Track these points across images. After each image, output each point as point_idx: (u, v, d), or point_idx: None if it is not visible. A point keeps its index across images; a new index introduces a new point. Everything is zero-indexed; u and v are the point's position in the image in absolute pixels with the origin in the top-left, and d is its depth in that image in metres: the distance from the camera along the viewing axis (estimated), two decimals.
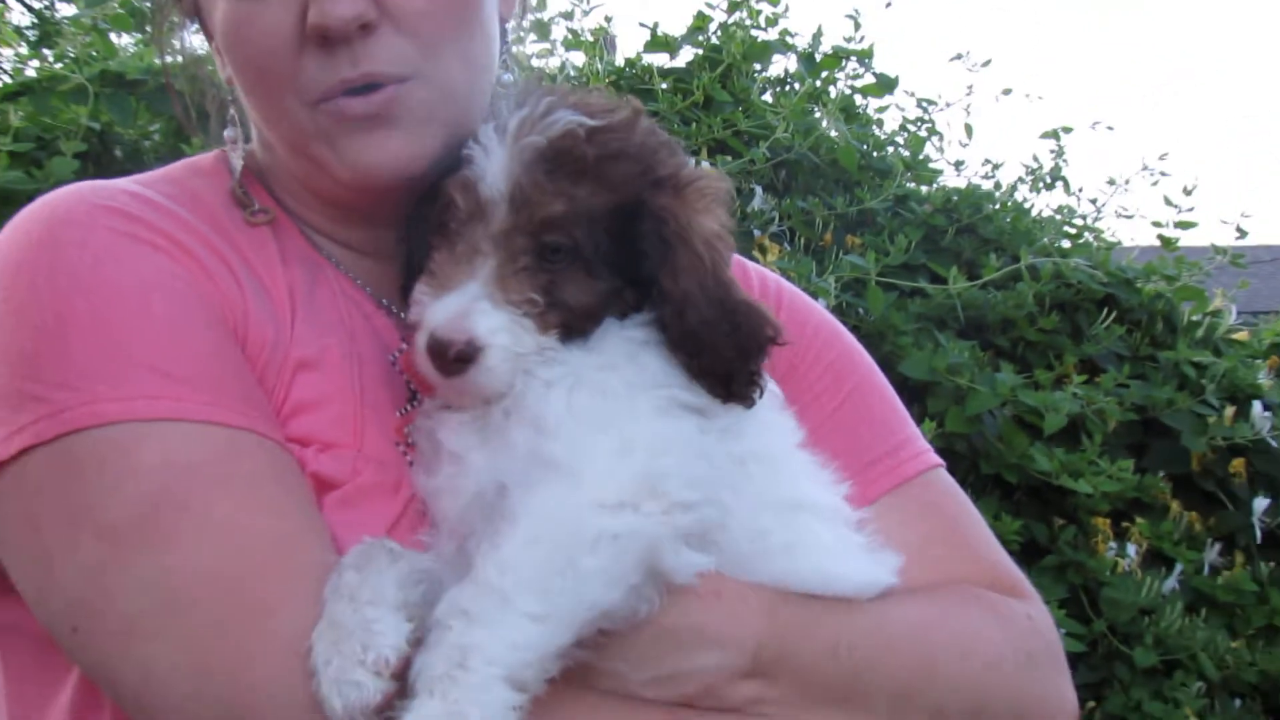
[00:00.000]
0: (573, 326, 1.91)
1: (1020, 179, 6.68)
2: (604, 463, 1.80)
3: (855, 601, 2.06)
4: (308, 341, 2.06)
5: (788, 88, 6.43)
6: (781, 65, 6.50)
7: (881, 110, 6.67)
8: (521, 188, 1.87)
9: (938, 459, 2.42)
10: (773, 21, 6.35)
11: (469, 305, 1.86)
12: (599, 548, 1.75)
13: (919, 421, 4.90)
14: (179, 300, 1.92)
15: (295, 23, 1.99)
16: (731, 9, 6.29)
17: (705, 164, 5.59)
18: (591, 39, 6.34)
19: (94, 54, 5.42)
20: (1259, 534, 5.42)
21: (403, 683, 1.68)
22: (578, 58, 6.29)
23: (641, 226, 1.91)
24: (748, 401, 1.94)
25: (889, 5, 7.17)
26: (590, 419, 1.85)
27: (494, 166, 1.89)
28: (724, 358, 1.91)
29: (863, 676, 2.01)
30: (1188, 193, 6.46)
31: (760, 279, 2.49)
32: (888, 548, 2.16)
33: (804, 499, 2.10)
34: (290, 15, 1.99)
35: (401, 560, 1.81)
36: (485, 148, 1.91)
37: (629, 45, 6.30)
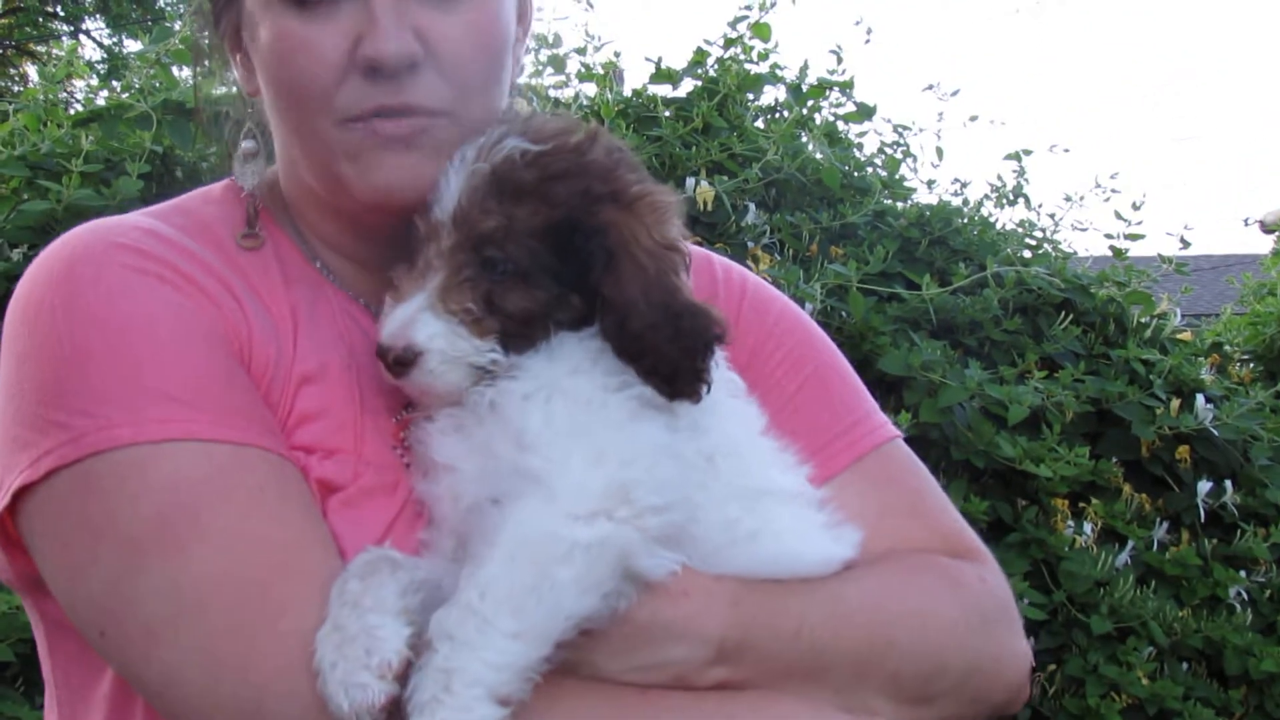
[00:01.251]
0: (512, 332, 1.93)
1: (986, 196, 6.73)
2: (578, 474, 1.82)
3: (815, 581, 2.06)
4: (309, 356, 2.07)
5: (777, 115, 6.46)
6: (772, 95, 6.54)
7: (861, 135, 6.70)
8: (463, 209, 1.91)
9: (895, 431, 2.40)
10: (764, 56, 6.38)
11: (413, 314, 1.90)
12: (573, 558, 1.77)
13: (896, 413, 4.94)
14: (184, 329, 1.93)
15: (347, 50, 1.99)
16: (727, 45, 6.33)
17: (704, 183, 5.62)
18: (602, 72, 6.37)
19: (157, 85, 5.44)
20: (1203, 514, 5.46)
21: (404, 684, 1.71)
22: (590, 89, 6.29)
23: (586, 240, 1.93)
24: (694, 397, 1.93)
25: (868, 42, 7.21)
26: (566, 429, 1.87)
27: (447, 192, 1.94)
28: (668, 359, 1.91)
29: (823, 653, 2.01)
30: (1136, 208, 6.50)
31: (725, 271, 2.48)
32: (848, 522, 2.15)
33: (768, 486, 2.10)
34: (344, 43, 1.99)
35: (401, 570, 1.83)
36: (447, 176, 1.95)
37: (636, 77, 6.33)
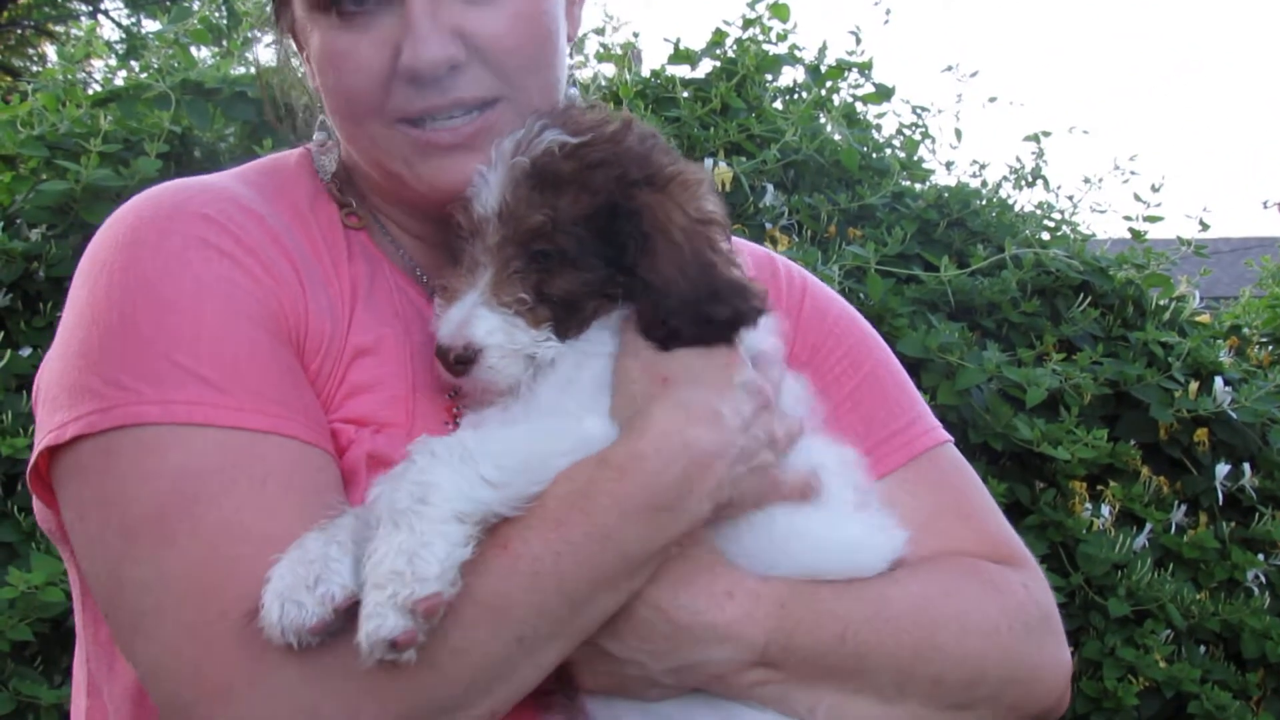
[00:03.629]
0: (564, 318, 1.96)
1: (1005, 178, 6.69)
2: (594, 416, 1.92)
3: (860, 584, 2.06)
4: (366, 330, 2.09)
5: (796, 96, 6.45)
6: (790, 76, 6.53)
7: (880, 116, 6.68)
8: (508, 204, 1.93)
9: (946, 435, 2.41)
10: (783, 37, 6.38)
11: (468, 313, 1.93)
12: (576, 453, 1.86)
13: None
14: (231, 309, 1.95)
15: (389, 59, 2.03)
16: (746, 26, 6.32)
17: (723, 164, 5.61)
18: (620, 53, 6.34)
19: (175, 65, 5.45)
20: (1221, 497, 5.44)
21: (340, 621, 1.71)
22: (608, 69, 6.27)
23: (625, 223, 1.95)
24: (721, 342, 1.99)
25: (887, 22, 7.19)
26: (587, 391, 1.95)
27: (488, 188, 1.96)
28: (702, 329, 1.96)
29: (868, 658, 2.01)
30: (1155, 190, 6.47)
31: (786, 271, 2.50)
32: (897, 521, 2.15)
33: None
34: (384, 52, 2.02)
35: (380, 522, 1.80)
36: (484, 172, 1.97)
37: (654, 58, 6.32)
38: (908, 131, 6.80)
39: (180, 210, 2.02)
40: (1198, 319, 6.33)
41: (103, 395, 1.88)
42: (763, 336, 2.08)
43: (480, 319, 1.92)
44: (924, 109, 6.96)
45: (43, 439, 1.94)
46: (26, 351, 4.73)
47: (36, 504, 2.13)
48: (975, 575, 2.21)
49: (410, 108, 2.05)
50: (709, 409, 1.92)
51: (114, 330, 1.92)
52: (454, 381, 1.98)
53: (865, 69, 6.54)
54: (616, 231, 1.95)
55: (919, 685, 2.06)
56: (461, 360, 1.93)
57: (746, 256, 2.46)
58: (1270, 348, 7.02)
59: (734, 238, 2.49)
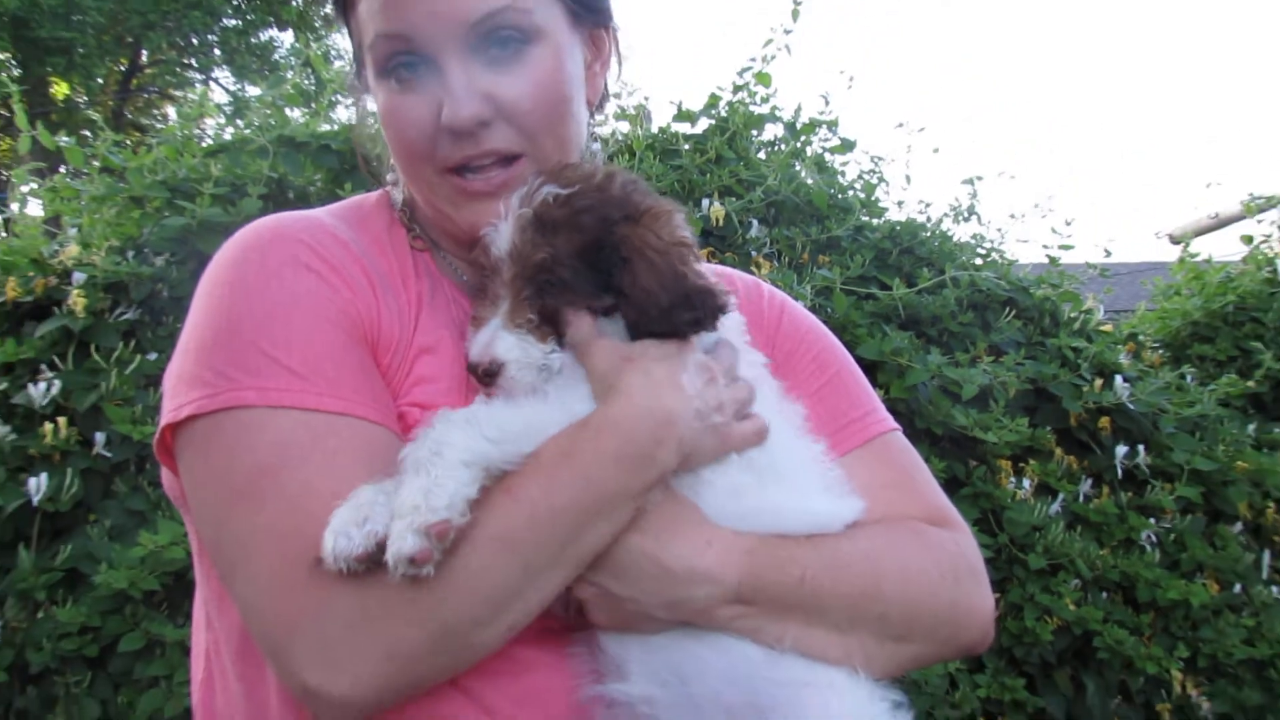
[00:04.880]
0: (561, 330, 2.02)
1: (945, 214, 6.70)
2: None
3: (817, 538, 2.09)
4: (429, 333, 2.15)
5: (776, 148, 6.45)
6: (771, 132, 6.52)
7: (844, 164, 6.68)
8: (516, 246, 2.00)
9: (896, 425, 2.46)
10: (766, 100, 6.40)
11: (492, 336, 2.00)
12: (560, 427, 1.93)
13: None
14: (317, 315, 2.03)
15: (433, 116, 2.09)
16: (735, 91, 6.34)
17: (717, 203, 5.64)
18: (634, 113, 6.36)
19: (273, 123, 5.47)
20: (1120, 472, 5.46)
21: (382, 553, 1.75)
22: (624, 126, 6.28)
23: (610, 253, 2.00)
24: (689, 334, 2.04)
25: (850, 88, 7.22)
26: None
27: (501, 234, 2.03)
28: (675, 328, 2.01)
29: (823, 597, 2.05)
30: (1067, 224, 6.52)
31: (769, 294, 2.56)
32: (854, 491, 2.20)
33: (787, 463, 2.16)
34: (430, 110, 2.10)
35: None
36: (497, 222, 2.04)
37: (661, 117, 6.32)
38: (867, 176, 6.81)
39: (278, 237, 2.09)
40: (1102, 328, 6.34)
41: (212, 384, 1.95)
42: (729, 326, 2.15)
43: (500, 340, 2.00)
44: (880, 158, 6.99)
45: (165, 418, 2.01)
46: (153, 356, 4.74)
47: (164, 473, 2.17)
48: (915, 534, 2.25)
49: (452, 158, 2.12)
50: (670, 379, 1.98)
51: (222, 332, 1.99)
52: (485, 389, 2.03)
53: (832, 126, 6.55)
54: (603, 261, 2.00)
55: (866, 621, 2.09)
56: (488, 373, 1.99)
57: (737, 280, 2.53)
58: (1160, 351, 7.03)
59: (727, 266, 2.56)
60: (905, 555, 2.20)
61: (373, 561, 1.77)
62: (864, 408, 2.44)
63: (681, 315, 1.99)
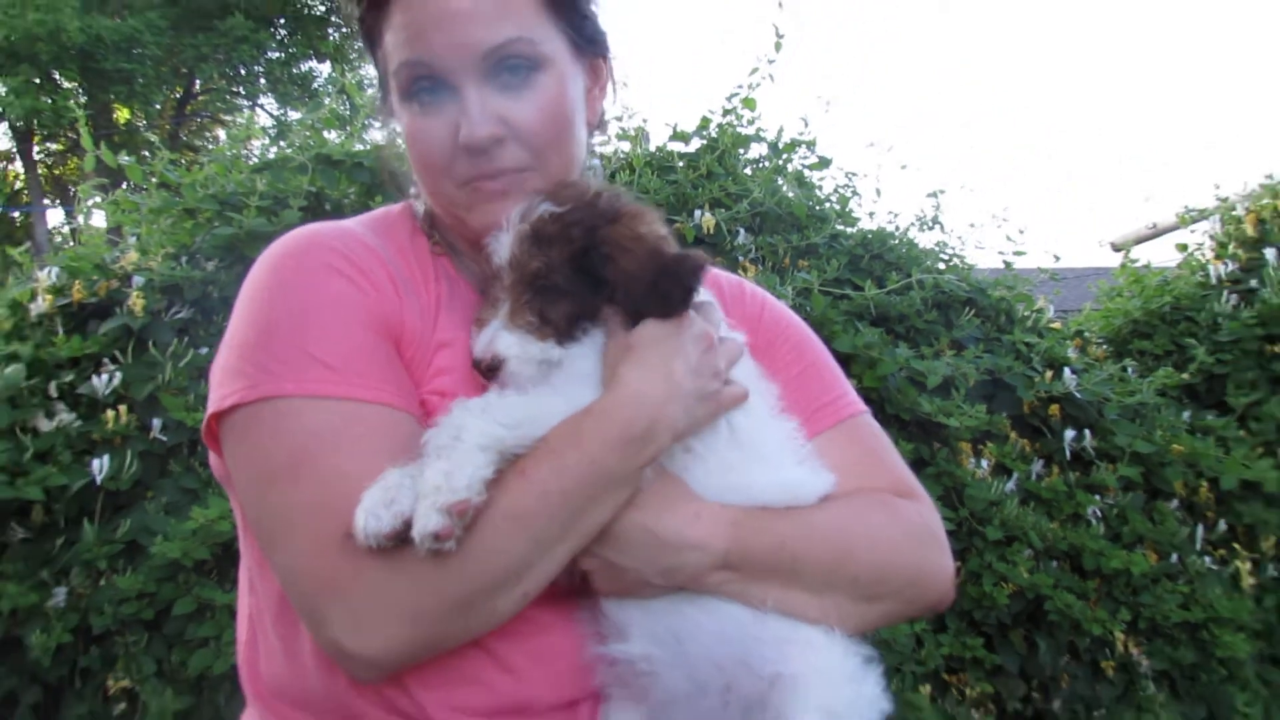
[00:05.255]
0: (562, 330, 2.03)
1: (912, 223, 6.66)
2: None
3: (794, 510, 2.11)
4: (447, 329, 2.15)
5: (761, 165, 6.44)
6: (756, 150, 6.52)
7: (821, 179, 6.66)
8: (515, 256, 2.03)
9: (865, 408, 2.48)
10: (751, 122, 6.39)
11: (494, 334, 2.02)
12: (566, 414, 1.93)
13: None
14: (347, 315, 2.04)
15: (451, 135, 2.11)
16: (724, 114, 6.34)
17: (708, 214, 5.63)
18: (634, 133, 6.35)
19: (311, 143, 5.45)
20: (1068, 454, 5.45)
21: (405, 534, 1.77)
22: (625, 146, 6.28)
23: (596, 254, 2.02)
24: (685, 306, 2.04)
25: (827, 111, 7.23)
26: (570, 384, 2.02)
27: (503, 246, 2.05)
28: (666, 297, 2.02)
29: (800, 562, 2.07)
30: (1021, 233, 6.49)
31: (752, 292, 2.58)
32: (826, 469, 2.22)
33: (767, 440, 2.18)
34: (448, 130, 2.11)
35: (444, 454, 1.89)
36: (499, 236, 2.07)
37: (659, 137, 6.31)
38: (842, 190, 6.78)
39: (312, 245, 2.10)
40: (1052, 326, 6.33)
41: (252, 376, 1.96)
42: (705, 295, 2.17)
43: (501, 338, 2.01)
44: (854, 174, 6.96)
45: (211, 407, 2.02)
46: (204, 350, 4.74)
47: (211, 456, 2.19)
48: (883, 504, 2.27)
49: (468, 173, 2.13)
50: (663, 366, 1.98)
51: (262, 331, 2.00)
52: (489, 384, 2.04)
53: (811, 145, 6.54)
54: (592, 264, 2.02)
55: (840, 583, 2.11)
56: (490, 368, 2.01)
57: (722, 280, 2.54)
58: (1104, 347, 7.01)
59: (716, 268, 2.56)
60: (874, 523, 2.22)
61: (399, 538, 1.78)
62: (836, 392, 2.45)
63: (667, 287, 2.01)
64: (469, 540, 1.80)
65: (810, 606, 2.07)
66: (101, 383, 4.59)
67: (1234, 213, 7.41)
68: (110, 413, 4.54)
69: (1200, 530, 5.59)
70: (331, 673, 2.01)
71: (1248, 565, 5.59)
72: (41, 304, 4.97)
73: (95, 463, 4.38)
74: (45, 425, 4.57)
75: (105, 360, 4.74)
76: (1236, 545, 5.72)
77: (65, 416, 4.59)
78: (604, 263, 2.01)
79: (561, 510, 1.88)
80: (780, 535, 2.07)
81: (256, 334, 2.01)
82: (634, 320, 2.02)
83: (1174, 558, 5.38)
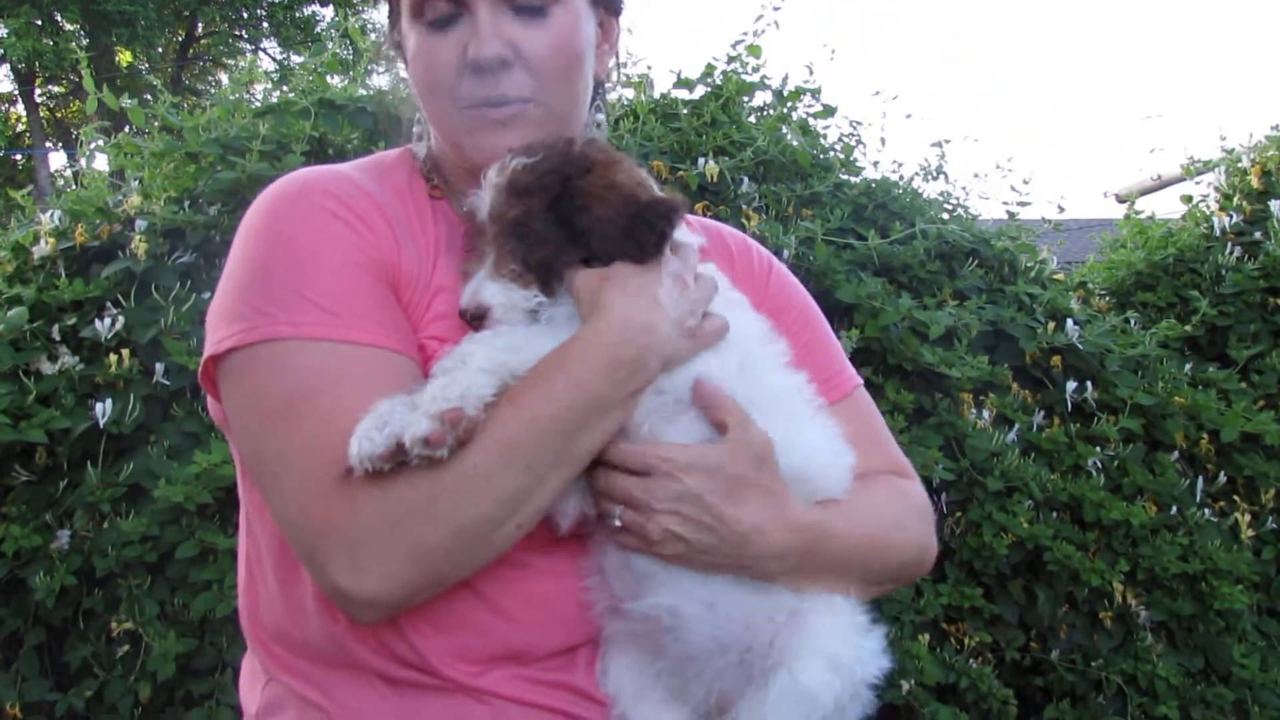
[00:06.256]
0: (544, 278, 2.03)
1: (916, 173, 6.66)
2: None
3: (846, 505, 2.18)
4: (445, 274, 2.16)
5: (765, 113, 6.41)
6: (761, 98, 6.47)
7: (826, 127, 6.62)
8: (495, 208, 2.04)
9: (860, 380, 2.53)
10: (756, 69, 6.34)
11: (479, 284, 2.03)
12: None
13: (848, 330, 4.92)
14: (343, 258, 2.03)
15: (458, 55, 2.12)
16: (729, 61, 6.29)
17: (712, 162, 5.61)
18: (638, 80, 6.31)
19: (314, 88, 5.42)
20: (1069, 405, 5.45)
21: (402, 455, 1.79)
22: (629, 93, 6.25)
23: (571, 204, 2.03)
24: (659, 251, 2.05)
25: (832, 59, 7.17)
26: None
27: (483, 200, 2.06)
28: (640, 241, 2.02)
29: (851, 560, 2.15)
30: (1025, 183, 6.48)
31: (759, 253, 2.58)
32: (844, 441, 2.27)
33: (784, 395, 2.21)
34: (456, 50, 2.12)
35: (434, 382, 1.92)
36: (480, 191, 2.07)
37: (663, 84, 6.27)
38: (846, 139, 6.76)
39: (306, 188, 2.10)
40: (1055, 277, 6.31)
41: (249, 318, 1.97)
42: (686, 236, 2.17)
43: (486, 287, 2.02)
44: (858, 123, 6.93)
45: (207, 350, 2.03)
46: (207, 295, 4.72)
47: (209, 401, 2.20)
48: (896, 491, 2.35)
49: (473, 95, 2.14)
50: (645, 291, 2.00)
51: (258, 273, 2.01)
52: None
53: (815, 93, 6.50)
54: (567, 212, 2.02)
55: (866, 569, 2.19)
56: (476, 317, 2.01)
57: (728, 237, 2.55)
58: (1107, 298, 7.01)
59: (724, 224, 2.57)
60: (896, 513, 2.31)
61: (393, 460, 1.79)
62: (837, 365, 2.49)
63: (641, 231, 2.02)
64: (462, 469, 1.82)
65: (835, 589, 2.13)
66: (104, 326, 4.58)
67: (1239, 165, 7.38)
68: (113, 356, 4.54)
69: (1200, 482, 5.60)
70: (331, 617, 2.03)
71: (1247, 518, 5.59)
72: (44, 247, 4.96)
73: (98, 406, 4.38)
74: (48, 368, 4.57)
75: (108, 304, 4.72)
76: (1236, 498, 5.72)
77: (68, 360, 4.59)
78: (578, 212, 2.02)
79: (553, 437, 1.89)
80: (846, 536, 2.14)
81: (252, 277, 2.01)
82: (608, 261, 2.03)
83: (1174, 510, 5.40)
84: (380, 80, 5.91)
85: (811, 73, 6.53)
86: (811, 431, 2.19)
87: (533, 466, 1.88)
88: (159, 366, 4.54)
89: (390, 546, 1.83)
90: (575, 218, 2.02)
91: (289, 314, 1.96)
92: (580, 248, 2.03)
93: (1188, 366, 6.16)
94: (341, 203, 2.09)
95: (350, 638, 2.02)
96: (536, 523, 1.94)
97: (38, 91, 34.85)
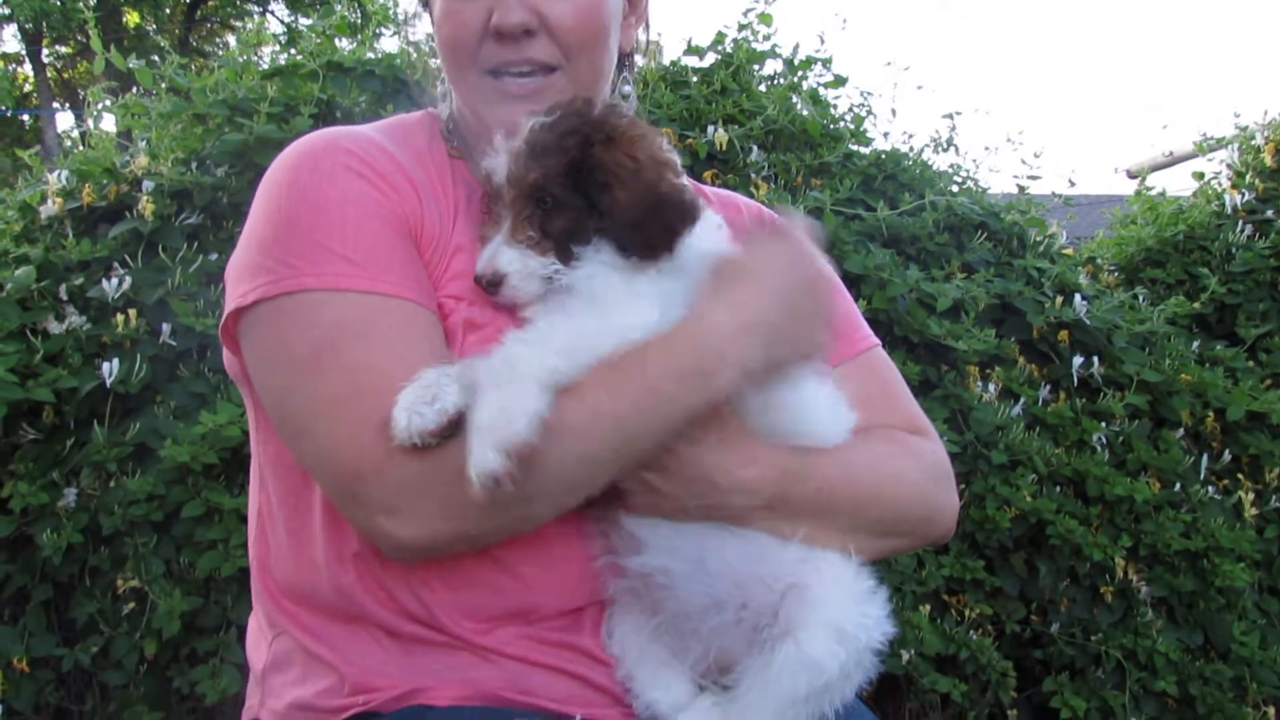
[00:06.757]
0: (562, 246, 2.01)
1: (926, 145, 6.63)
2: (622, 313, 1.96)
3: (835, 451, 2.16)
4: (464, 233, 2.17)
5: (775, 81, 6.39)
6: (771, 67, 6.45)
7: (836, 97, 6.59)
8: (513, 171, 2.02)
9: (877, 341, 2.51)
10: (767, 38, 6.33)
11: (495, 250, 2.03)
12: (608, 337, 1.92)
13: (856, 301, 4.93)
14: (366, 213, 2.04)
15: (483, 20, 2.14)
16: (740, 29, 6.28)
17: (721, 130, 5.61)
18: (648, 47, 6.30)
19: (322, 50, 5.42)
20: (1075, 380, 5.45)
21: (449, 430, 1.79)
22: (639, 59, 6.23)
23: (591, 173, 2.01)
24: (666, 253, 2.01)
25: (843, 29, 7.17)
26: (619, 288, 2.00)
27: (499, 163, 2.05)
28: (650, 239, 2.00)
29: (834, 505, 2.12)
30: (1036, 157, 6.46)
31: (772, 219, 2.55)
32: (847, 405, 2.24)
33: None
34: (481, 15, 2.14)
35: (478, 363, 1.88)
36: (496, 154, 2.06)
37: (673, 51, 6.26)
38: (857, 109, 6.74)
39: (330, 146, 2.11)
40: (1064, 252, 6.30)
41: (274, 271, 1.98)
42: (707, 225, 2.14)
43: (502, 254, 2.02)
44: (869, 93, 6.92)
45: (232, 304, 2.03)
46: (214, 256, 4.75)
47: (226, 356, 2.20)
48: (903, 445, 2.32)
49: (494, 60, 2.15)
50: (751, 300, 1.98)
51: (283, 227, 2.02)
52: (492, 298, 2.06)
53: (826, 63, 6.48)
54: (586, 181, 2.01)
55: (866, 522, 2.16)
56: (492, 283, 2.02)
57: (742, 205, 2.56)
58: (1116, 274, 7.01)
59: (739, 193, 2.58)
60: (900, 465, 2.28)
61: (444, 435, 1.79)
62: (853, 324, 2.49)
63: (653, 228, 2.00)
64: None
65: (833, 540, 2.11)
66: (111, 286, 4.60)
67: (1253, 142, 7.35)
68: (120, 316, 4.55)
69: (1205, 460, 5.60)
70: (340, 570, 2.06)
71: (1251, 496, 5.60)
72: (51, 207, 4.97)
73: (105, 366, 4.40)
74: (55, 328, 4.59)
75: (115, 264, 4.74)
76: (1240, 476, 5.73)
77: (75, 319, 4.60)
78: (597, 187, 2.01)
79: (613, 433, 1.88)
80: (823, 479, 2.11)
81: (276, 232, 2.03)
82: (619, 249, 2.01)
83: (1177, 486, 5.40)
84: (388, 44, 5.92)
85: (823, 42, 6.52)
86: (809, 391, 2.17)
87: (586, 458, 1.89)
88: (165, 327, 4.56)
89: (427, 501, 1.85)
90: (593, 192, 2.01)
91: (315, 266, 1.97)
92: (594, 218, 2.02)
93: (1195, 344, 6.15)
94: (364, 161, 2.10)
95: (360, 590, 2.05)
96: (567, 511, 1.98)
97: (45, 51, 34.74)
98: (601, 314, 1.96)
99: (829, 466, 2.13)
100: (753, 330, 1.96)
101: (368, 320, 1.96)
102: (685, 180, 2.16)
